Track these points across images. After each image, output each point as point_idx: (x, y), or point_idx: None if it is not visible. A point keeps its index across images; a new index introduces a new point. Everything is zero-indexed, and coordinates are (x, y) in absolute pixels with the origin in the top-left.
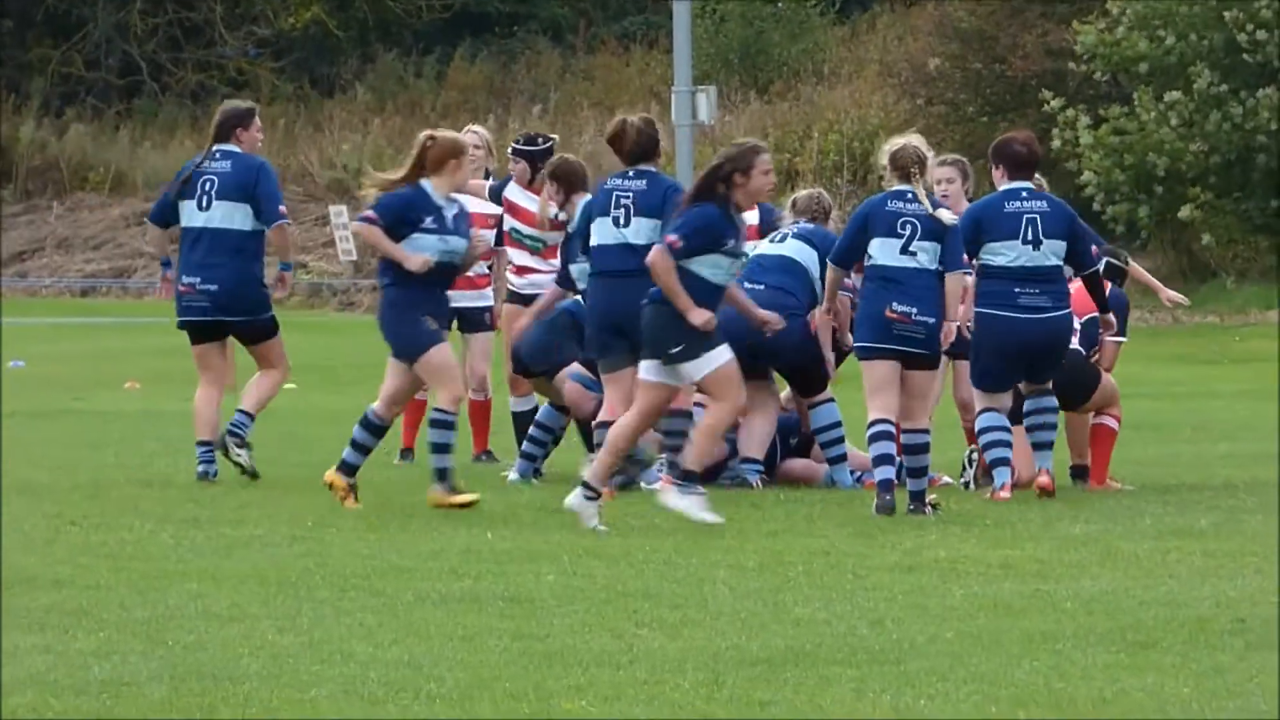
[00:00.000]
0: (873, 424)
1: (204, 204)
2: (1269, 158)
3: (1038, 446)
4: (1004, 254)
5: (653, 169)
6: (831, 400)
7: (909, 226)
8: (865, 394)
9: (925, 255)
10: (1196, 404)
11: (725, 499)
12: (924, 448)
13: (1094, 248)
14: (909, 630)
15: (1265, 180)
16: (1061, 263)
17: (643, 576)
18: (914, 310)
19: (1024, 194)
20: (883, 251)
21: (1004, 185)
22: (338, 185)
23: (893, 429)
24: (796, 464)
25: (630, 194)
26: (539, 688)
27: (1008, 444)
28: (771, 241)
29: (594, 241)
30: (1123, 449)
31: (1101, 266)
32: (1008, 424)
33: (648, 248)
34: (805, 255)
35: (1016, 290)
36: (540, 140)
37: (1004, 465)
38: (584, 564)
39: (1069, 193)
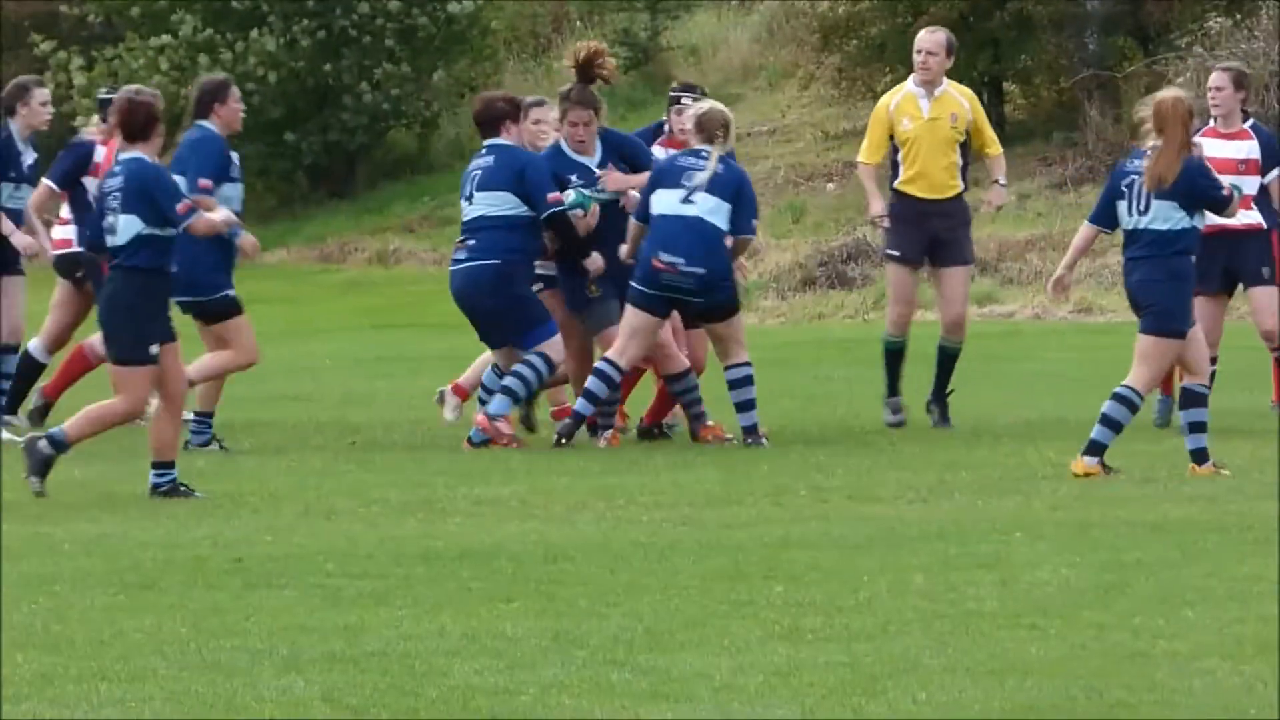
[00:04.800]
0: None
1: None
2: (262, 101)
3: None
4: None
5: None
6: None
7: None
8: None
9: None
10: None
11: None
12: (744, 381)
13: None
14: None
15: (258, 124)
16: (501, 213)
17: None
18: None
19: (483, 151)
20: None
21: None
22: None
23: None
24: None
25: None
26: None
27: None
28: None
29: None
30: None
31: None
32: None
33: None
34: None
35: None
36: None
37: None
38: None
39: (66, 135)
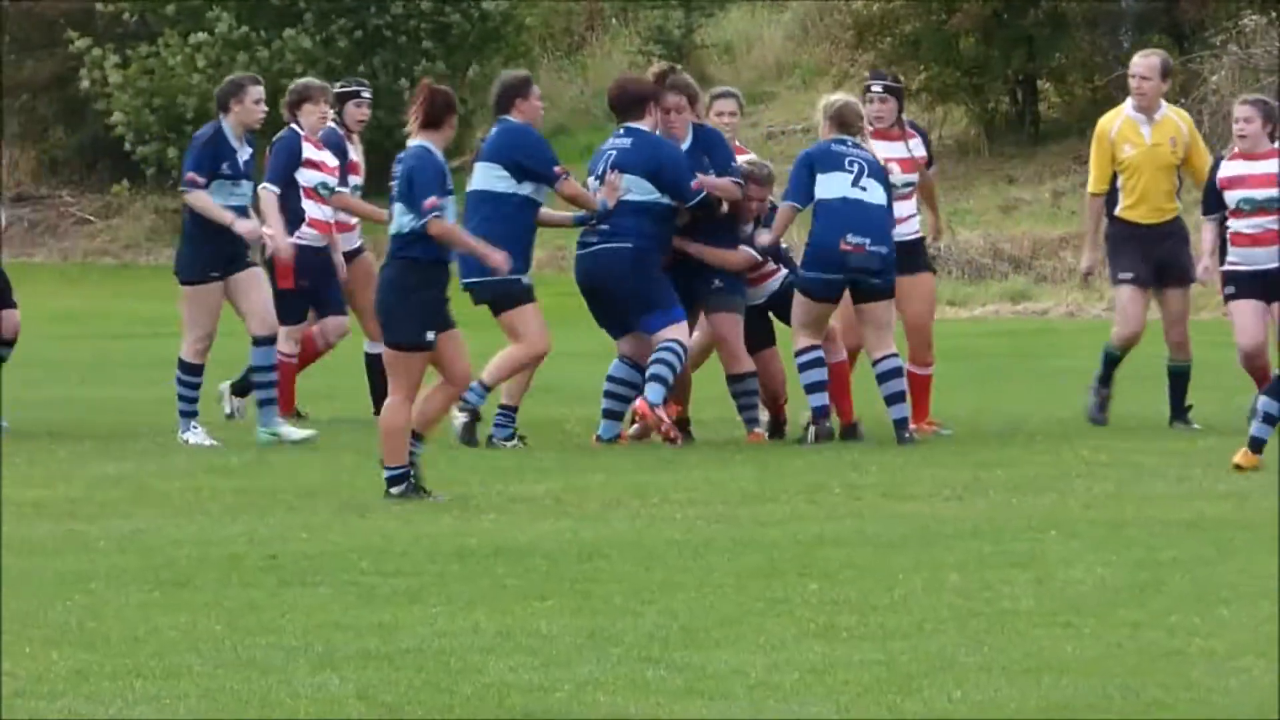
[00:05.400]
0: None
1: None
2: None
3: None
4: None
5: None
6: None
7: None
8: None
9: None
10: None
11: None
12: (898, 372)
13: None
14: None
15: None
16: (638, 198)
17: None
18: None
19: (620, 132)
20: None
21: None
22: None
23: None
24: None
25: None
26: None
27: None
28: None
29: None
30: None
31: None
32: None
33: None
34: None
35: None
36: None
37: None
38: None
39: (100, 133)
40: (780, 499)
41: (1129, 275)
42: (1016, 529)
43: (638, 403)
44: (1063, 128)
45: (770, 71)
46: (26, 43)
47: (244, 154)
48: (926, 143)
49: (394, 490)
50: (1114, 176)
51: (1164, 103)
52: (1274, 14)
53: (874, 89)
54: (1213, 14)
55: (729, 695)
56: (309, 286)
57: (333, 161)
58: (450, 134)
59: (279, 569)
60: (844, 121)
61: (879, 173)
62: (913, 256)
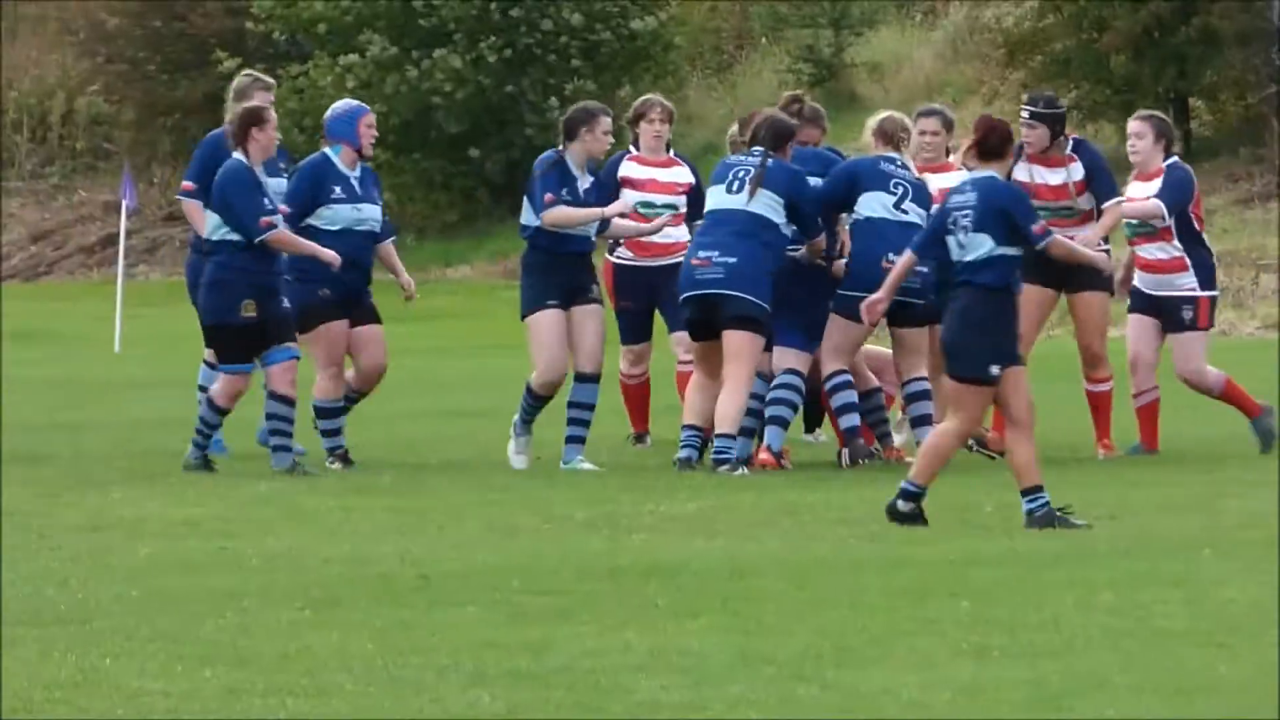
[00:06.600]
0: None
1: None
2: (446, 117)
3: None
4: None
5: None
6: None
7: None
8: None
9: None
10: None
11: None
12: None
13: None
14: (94, 590)
15: (442, 140)
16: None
17: None
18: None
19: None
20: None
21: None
22: None
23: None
24: None
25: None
26: None
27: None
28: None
29: None
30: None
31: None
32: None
33: None
34: None
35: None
36: None
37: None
38: None
39: None
40: (932, 517)
41: None
42: (1169, 548)
43: (763, 455)
44: (1214, 146)
45: (920, 91)
46: (179, 63)
47: (584, 183)
48: (1097, 169)
49: (902, 506)
50: None
51: None
52: None
53: (1022, 115)
54: None
55: (881, 714)
56: (634, 307)
57: (660, 178)
58: (1009, 163)
59: (429, 588)
60: (888, 136)
61: (922, 198)
62: (1080, 274)
